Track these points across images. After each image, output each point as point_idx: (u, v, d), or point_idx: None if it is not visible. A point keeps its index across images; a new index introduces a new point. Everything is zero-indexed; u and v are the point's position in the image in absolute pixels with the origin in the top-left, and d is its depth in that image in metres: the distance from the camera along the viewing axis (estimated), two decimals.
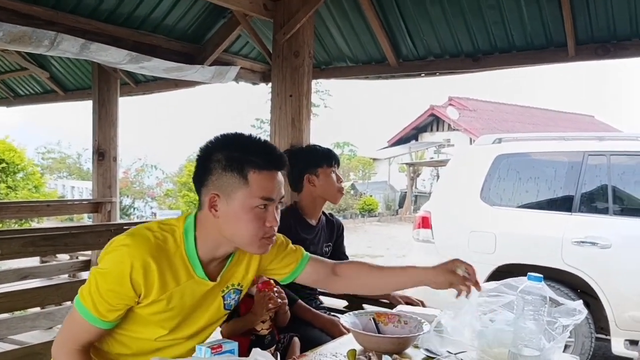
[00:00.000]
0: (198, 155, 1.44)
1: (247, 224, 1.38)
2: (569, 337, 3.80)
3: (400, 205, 18.62)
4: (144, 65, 3.40)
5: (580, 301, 1.63)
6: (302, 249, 1.76)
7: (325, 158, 2.50)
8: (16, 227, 8.61)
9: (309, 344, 2.04)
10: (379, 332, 1.74)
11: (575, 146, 4.33)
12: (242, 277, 1.58)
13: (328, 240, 2.61)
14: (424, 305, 2.37)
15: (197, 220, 1.44)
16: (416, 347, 1.67)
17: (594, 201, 4.08)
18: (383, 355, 1.36)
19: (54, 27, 3.00)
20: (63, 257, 5.12)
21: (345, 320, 1.73)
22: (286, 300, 2.08)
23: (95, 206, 5.37)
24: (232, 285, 1.56)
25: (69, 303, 2.55)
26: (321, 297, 2.62)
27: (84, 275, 4.58)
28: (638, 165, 4.05)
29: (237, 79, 4.06)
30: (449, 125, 21.07)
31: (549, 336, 1.50)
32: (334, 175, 2.49)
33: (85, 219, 11.60)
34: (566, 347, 3.77)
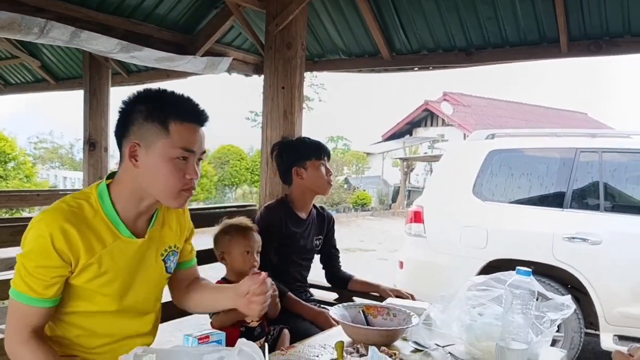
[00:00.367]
0: (120, 107, 1.44)
1: (166, 174, 1.38)
2: (559, 332, 3.83)
3: (394, 200, 18.65)
4: (135, 54, 3.37)
5: (569, 296, 1.64)
6: (195, 252, 1.76)
7: (315, 151, 2.49)
8: (6, 216, 8.56)
9: (298, 336, 2.05)
10: (368, 324, 1.74)
11: (567, 143, 4.35)
12: (177, 238, 1.60)
13: (318, 233, 2.60)
14: (413, 299, 2.38)
15: (111, 184, 1.45)
16: (405, 339, 1.67)
17: (586, 198, 4.10)
18: (370, 347, 1.36)
19: (43, 14, 2.95)
20: None
21: (335, 312, 1.73)
22: (277, 293, 2.07)
23: None
24: (169, 248, 1.57)
25: None
26: (311, 290, 2.63)
27: None
28: (629, 163, 4.08)
29: (229, 70, 4.03)
30: (443, 120, 21.10)
31: (537, 330, 1.51)
32: (323, 168, 2.48)
33: None
34: (555, 341, 3.81)
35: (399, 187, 18.42)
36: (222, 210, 2.79)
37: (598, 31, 3.02)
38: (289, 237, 2.44)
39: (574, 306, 1.61)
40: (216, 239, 2.16)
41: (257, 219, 2.42)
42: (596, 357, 4.25)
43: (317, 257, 2.67)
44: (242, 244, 2.09)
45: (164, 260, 1.55)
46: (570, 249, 3.86)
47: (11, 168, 11.56)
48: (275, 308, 2.11)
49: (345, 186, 18.25)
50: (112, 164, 6.17)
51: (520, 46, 3.27)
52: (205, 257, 2.42)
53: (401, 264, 4.63)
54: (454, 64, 3.54)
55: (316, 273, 2.70)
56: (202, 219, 2.66)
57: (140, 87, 1.51)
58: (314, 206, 2.61)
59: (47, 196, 5.92)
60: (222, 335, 1.45)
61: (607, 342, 3.76)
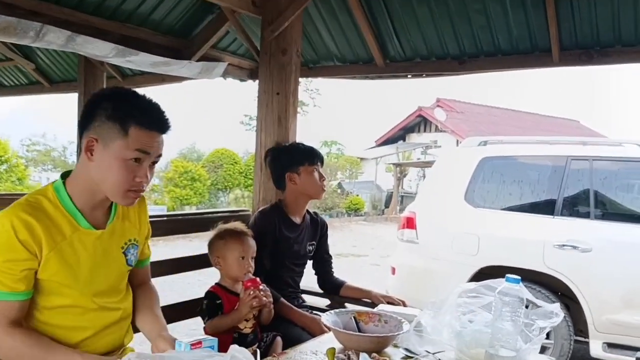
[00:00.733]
0: (87, 100, 1.49)
1: (117, 173, 1.42)
2: (548, 339, 3.86)
3: (387, 205, 18.69)
4: (130, 59, 3.37)
5: (558, 304, 1.65)
6: (150, 253, 1.80)
7: (308, 156, 2.51)
8: None
9: (290, 342, 2.05)
10: (359, 330, 1.75)
11: (559, 150, 4.39)
12: (136, 232, 1.64)
13: (312, 239, 2.61)
14: (405, 305, 2.39)
15: (67, 180, 1.49)
16: (396, 346, 1.68)
17: (576, 205, 4.13)
18: (361, 354, 1.37)
19: (39, 18, 2.95)
20: None
21: (327, 318, 1.74)
22: (271, 299, 2.08)
23: None
24: (129, 241, 1.61)
25: None
26: (303, 296, 2.63)
27: None
28: (620, 171, 4.12)
29: (224, 75, 4.04)
30: (437, 126, 21.19)
31: (526, 337, 1.52)
32: (316, 174, 2.49)
33: None
34: (545, 349, 3.83)
35: (392, 192, 18.46)
36: (215, 215, 2.79)
37: (589, 41, 3.06)
38: (282, 242, 2.45)
39: (562, 314, 1.62)
40: (211, 243, 2.16)
41: (251, 224, 2.42)
42: None
43: (309, 263, 2.68)
44: (237, 249, 2.09)
45: (124, 252, 1.60)
46: (560, 257, 3.89)
47: (3, 170, 11.50)
48: (269, 314, 2.12)
49: (339, 191, 18.27)
50: None
51: (512, 55, 3.30)
52: (198, 262, 2.43)
53: (393, 270, 4.65)
54: (447, 71, 3.56)
55: (308, 279, 2.71)
56: (194, 224, 2.68)
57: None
58: (308, 211, 2.63)
59: None
60: (214, 341, 1.46)
61: (596, 349, 3.79)
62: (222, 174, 16.63)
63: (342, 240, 11.73)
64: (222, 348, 1.46)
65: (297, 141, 2.92)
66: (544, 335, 1.57)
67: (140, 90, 1.52)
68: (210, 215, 2.82)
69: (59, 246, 1.43)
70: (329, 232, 2.77)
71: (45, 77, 5.71)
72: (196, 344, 1.41)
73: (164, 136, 1.49)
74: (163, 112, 1.49)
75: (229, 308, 2.05)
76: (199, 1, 3.56)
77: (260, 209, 2.60)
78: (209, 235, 2.19)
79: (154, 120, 1.45)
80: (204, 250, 2.22)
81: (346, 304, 2.56)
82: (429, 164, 15.12)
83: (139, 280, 1.75)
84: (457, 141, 18.13)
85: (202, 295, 2.14)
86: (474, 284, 1.67)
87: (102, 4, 3.38)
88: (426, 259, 4.42)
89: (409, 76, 3.75)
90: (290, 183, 2.50)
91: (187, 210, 14.01)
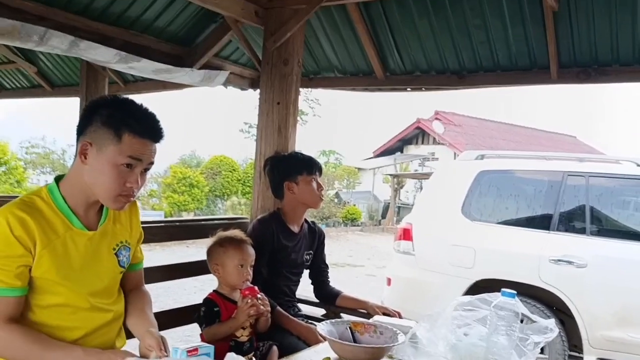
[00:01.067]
0: (86, 106, 1.53)
1: (109, 178, 1.46)
2: (543, 354, 3.86)
3: (383, 216, 18.69)
4: (133, 65, 3.39)
5: (553, 320, 1.66)
6: (143, 257, 1.81)
7: (306, 166, 2.52)
8: None
9: (285, 351, 2.06)
10: (355, 341, 1.76)
11: (555, 166, 4.42)
12: (128, 234, 1.67)
13: (309, 248, 2.62)
14: (400, 317, 2.39)
15: (60, 182, 1.53)
16: (391, 357, 1.69)
17: (572, 221, 4.15)
18: None
19: (43, 22, 2.97)
20: None
21: (322, 328, 1.74)
22: (269, 308, 2.09)
23: None
24: (120, 243, 1.64)
25: None
26: (299, 305, 2.64)
27: None
28: (615, 188, 4.15)
29: (225, 83, 4.07)
30: (434, 138, 21.26)
31: (520, 352, 1.54)
32: (314, 183, 2.51)
33: None
34: None
35: (389, 203, 18.47)
36: (213, 222, 2.81)
37: (587, 59, 3.09)
38: (280, 250, 2.46)
39: (557, 330, 1.64)
40: (210, 250, 2.17)
41: (250, 232, 2.43)
42: None
43: (306, 273, 2.69)
44: (236, 257, 2.10)
45: (116, 254, 1.62)
46: (556, 271, 3.91)
47: (2, 172, 11.48)
48: (266, 323, 2.13)
49: (336, 200, 18.28)
50: None
51: (511, 71, 3.33)
52: (195, 269, 2.44)
53: (389, 281, 4.66)
54: (446, 85, 3.59)
55: (304, 288, 2.71)
56: (192, 230, 2.69)
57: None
58: (306, 220, 2.64)
59: None
60: (211, 348, 1.47)
61: None
62: (220, 181, 16.63)
63: (338, 249, 11.73)
64: (219, 355, 1.48)
65: (296, 150, 2.93)
66: (538, 350, 1.58)
67: (141, 97, 1.55)
68: (208, 222, 2.83)
69: (52, 244, 1.46)
70: (326, 242, 2.78)
71: (47, 81, 5.73)
72: (192, 351, 1.42)
73: (158, 145, 1.53)
74: (158, 122, 1.52)
75: (226, 316, 2.05)
76: (202, 10, 3.59)
77: (259, 217, 2.61)
78: (206, 241, 2.20)
79: (148, 129, 1.49)
80: (201, 256, 2.22)
81: (342, 314, 2.57)
82: (426, 175, 15.16)
83: (132, 284, 1.76)
84: (455, 154, 18.19)
85: (198, 301, 2.15)
86: (469, 297, 1.69)
87: (107, 10, 3.40)
88: (422, 271, 4.43)
89: (408, 89, 3.77)
90: (288, 192, 2.51)
91: (185, 216, 13.99)
